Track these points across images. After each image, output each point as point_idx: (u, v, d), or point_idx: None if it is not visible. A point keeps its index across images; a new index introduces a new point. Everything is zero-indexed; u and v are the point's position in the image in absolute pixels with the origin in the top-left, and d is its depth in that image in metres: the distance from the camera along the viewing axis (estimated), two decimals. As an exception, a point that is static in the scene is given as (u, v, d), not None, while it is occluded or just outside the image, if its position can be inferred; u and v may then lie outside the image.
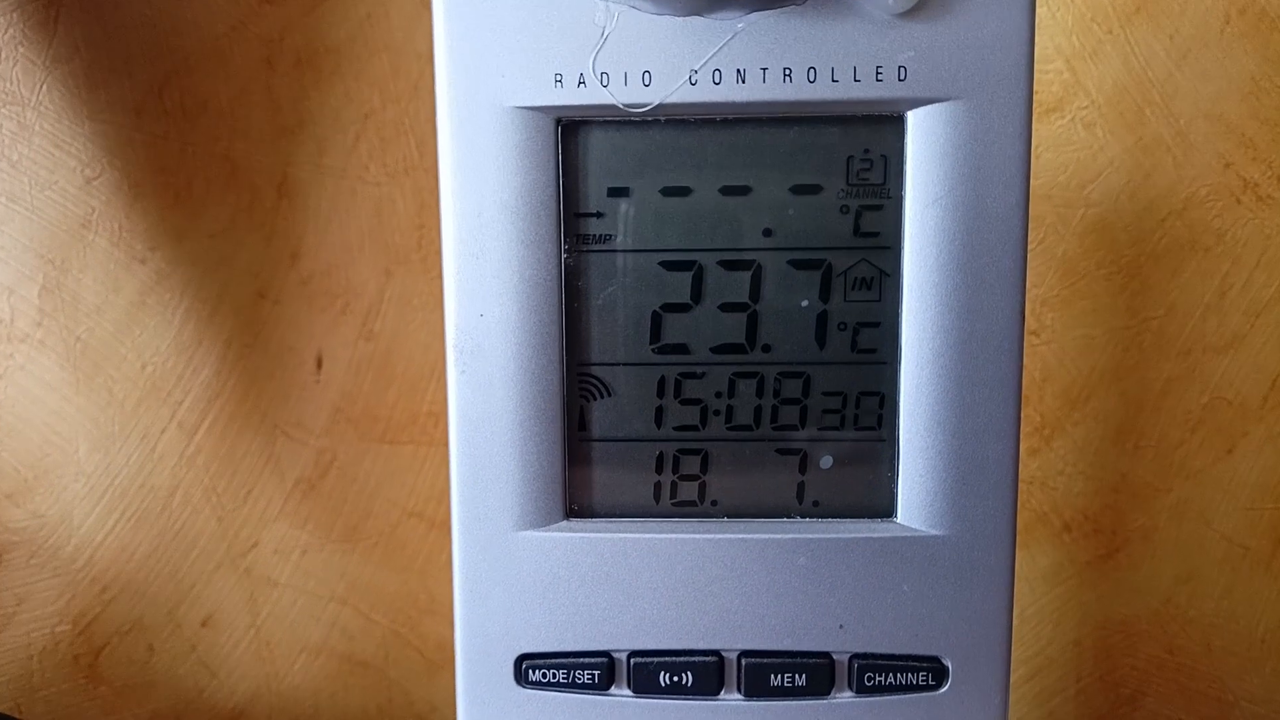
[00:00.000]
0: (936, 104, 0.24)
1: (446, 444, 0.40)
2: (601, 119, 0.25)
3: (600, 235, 0.25)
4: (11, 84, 0.41)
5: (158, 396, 0.43)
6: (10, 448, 0.43)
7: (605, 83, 0.24)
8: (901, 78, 0.24)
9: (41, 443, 0.43)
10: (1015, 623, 0.43)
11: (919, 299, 0.25)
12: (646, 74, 0.24)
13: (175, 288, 0.42)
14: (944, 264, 0.25)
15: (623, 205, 0.25)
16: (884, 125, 0.25)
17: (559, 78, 0.24)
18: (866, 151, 0.25)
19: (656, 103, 0.24)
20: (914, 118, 0.24)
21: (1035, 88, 0.40)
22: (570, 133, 0.25)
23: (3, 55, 0.41)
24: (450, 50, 0.25)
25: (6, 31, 0.41)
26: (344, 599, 0.44)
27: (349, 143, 0.42)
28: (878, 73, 0.24)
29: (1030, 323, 0.42)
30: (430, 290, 0.42)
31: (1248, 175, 0.41)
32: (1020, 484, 0.43)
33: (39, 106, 0.41)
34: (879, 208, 0.25)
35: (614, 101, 0.24)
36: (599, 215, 0.25)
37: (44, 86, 0.41)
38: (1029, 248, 0.41)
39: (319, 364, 0.43)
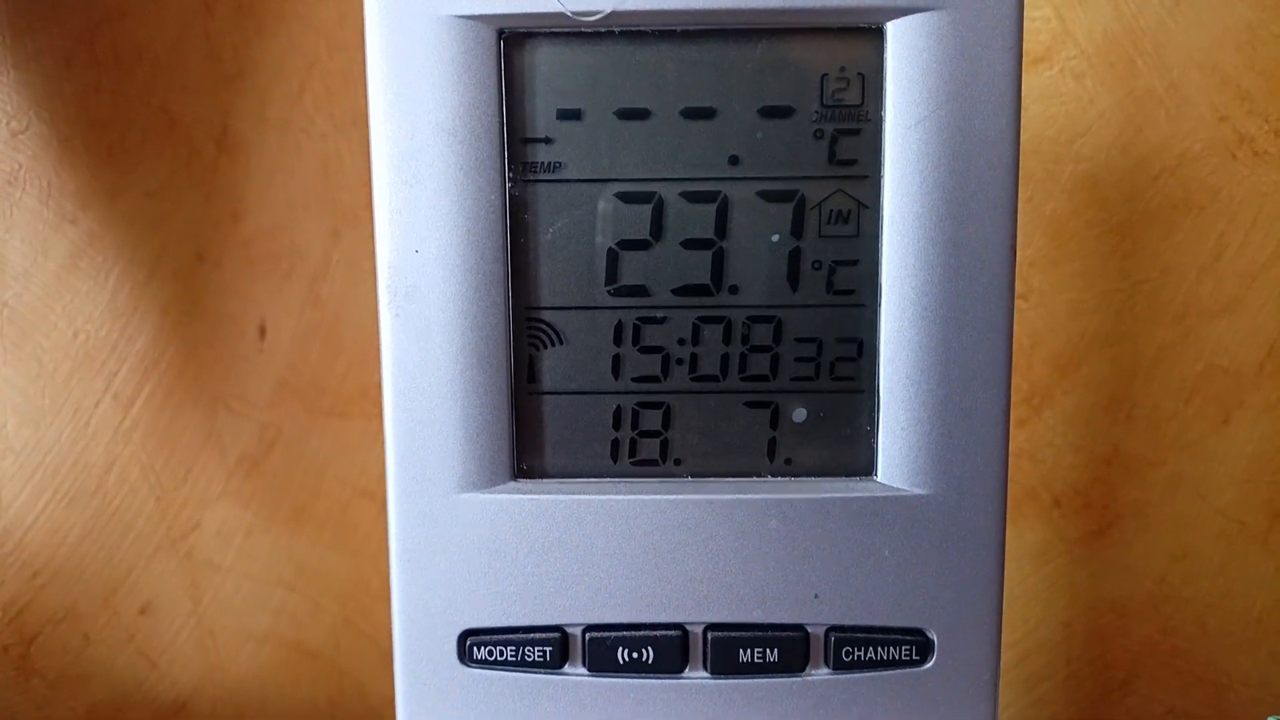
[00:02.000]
0: (919, 13, 0.22)
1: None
2: (549, 29, 0.22)
3: (548, 163, 0.23)
4: (-72, 31, 0.39)
5: (91, 367, 0.40)
6: (-70, 423, 0.40)
7: (552, -11, 0.22)
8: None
9: (-36, 417, 0.40)
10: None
11: (901, 234, 0.23)
12: (601, -19, 0.22)
13: (108, 250, 0.40)
14: (928, 194, 0.22)
15: (573, 129, 0.23)
16: (861, 38, 0.22)
17: (501, -17, 0.22)
18: (842, 69, 0.23)
19: (609, 9, 0.22)
20: (894, 29, 0.22)
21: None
22: (514, 46, 0.22)
23: (-81, -1, 0.38)
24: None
25: (-77, -26, 0.38)
26: (291, 584, 0.42)
27: (293, 93, 0.39)
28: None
29: (1017, 286, 0.40)
30: (382, 252, 0.40)
31: (1244, 129, 0.39)
32: (1007, 456, 0.41)
33: (-41, 55, 0.39)
34: (856, 132, 0.23)
35: (562, 9, 0.22)
36: (547, 141, 0.23)
37: (-36, 33, 0.39)
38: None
39: (262, 332, 0.40)
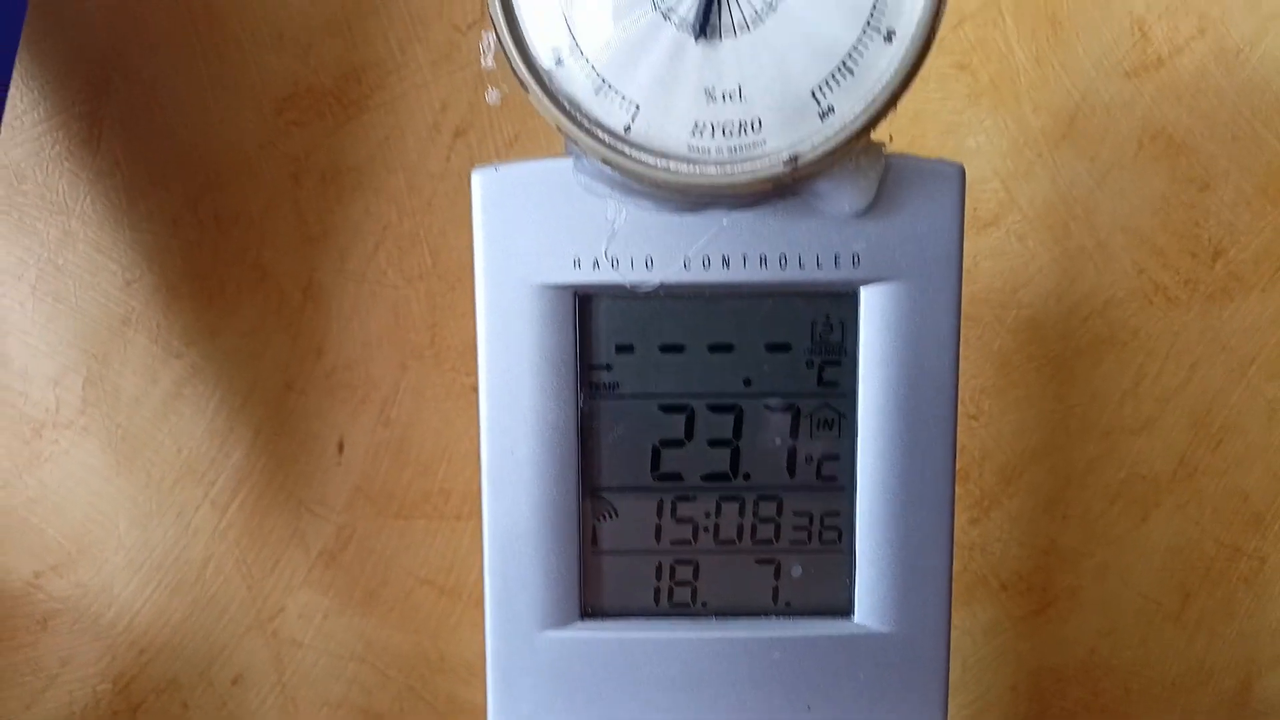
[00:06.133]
0: (884, 283, 0.30)
1: (455, 519, 0.45)
2: (612, 293, 0.30)
3: (610, 384, 0.31)
4: (58, 195, 0.46)
5: (192, 478, 0.47)
6: (56, 525, 0.47)
7: (615, 266, 0.29)
8: (855, 263, 0.30)
9: (84, 520, 0.47)
10: (959, 671, 0.49)
11: (870, 436, 0.30)
12: (649, 259, 0.29)
13: (209, 380, 0.47)
14: (890, 410, 0.30)
15: (628, 359, 0.31)
16: (841, 298, 0.30)
17: (577, 261, 0.30)
18: (827, 318, 0.30)
19: (657, 283, 0.29)
20: (865, 293, 0.30)
21: (974, 205, 0.46)
22: (586, 303, 0.30)
23: (49, 169, 0.46)
24: (487, 239, 0.30)
25: (53, 148, 0.45)
26: (362, 658, 0.49)
27: (369, 251, 0.47)
28: (836, 259, 0.30)
29: (970, 408, 0.48)
30: (441, 382, 0.47)
31: (1159, 280, 0.47)
32: (962, 549, 0.49)
33: (83, 216, 0.46)
34: (838, 363, 0.31)
35: (622, 281, 0.29)
36: (608, 368, 0.30)
37: (87, 198, 0.46)
38: (968, 343, 0.47)
39: (340, 448, 0.47)
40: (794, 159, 0.27)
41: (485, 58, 0.28)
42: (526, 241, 0.30)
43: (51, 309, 0.46)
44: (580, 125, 0.28)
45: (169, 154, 0.46)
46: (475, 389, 0.31)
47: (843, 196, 0.29)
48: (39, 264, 0.46)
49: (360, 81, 0.46)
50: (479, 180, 0.30)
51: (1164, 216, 0.47)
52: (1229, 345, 0.48)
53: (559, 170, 0.29)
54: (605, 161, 0.28)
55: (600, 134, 0.28)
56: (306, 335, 0.47)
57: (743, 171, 0.27)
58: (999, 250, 0.47)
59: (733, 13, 0.27)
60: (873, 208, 0.29)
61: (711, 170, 0.27)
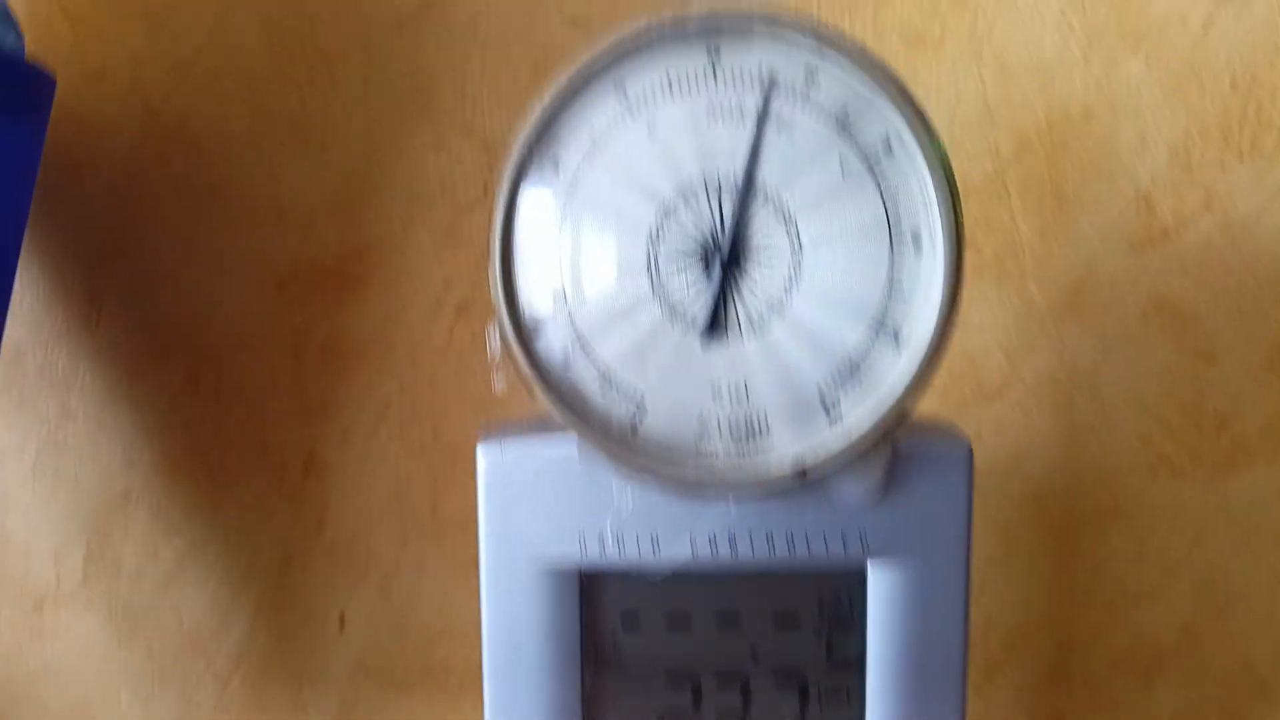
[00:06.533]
0: (892, 560, 0.29)
1: (458, 692, 0.45)
2: (617, 573, 0.30)
3: (615, 661, 0.30)
4: (57, 372, 0.45)
5: (194, 651, 0.47)
6: (58, 698, 0.47)
7: (620, 545, 0.29)
8: (863, 542, 0.29)
9: (86, 693, 0.47)
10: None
11: (879, 708, 0.30)
12: (655, 539, 0.29)
13: (210, 555, 0.47)
14: (900, 684, 0.30)
15: (633, 636, 0.30)
16: (850, 574, 0.30)
17: (582, 539, 0.29)
18: (836, 594, 0.30)
19: (663, 563, 0.29)
20: (874, 569, 0.30)
21: (978, 379, 0.46)
22: (591, 580, 0.30)
23: (49, 346, 0.45)
24: (490, 516, 0.29)
25: (53, 325, 0.45)
26: (364, 825, 0.49)
27: (371, 425, 0.46)
28: (844, 539, 0.29)
29: (976, 579, 0.48)
30: (442, 557, 0.47)
31: (1163, 451, 0.47)
32: (967, 718, 0.48)
33: (83, 392, 0.46)
34: (846, 637, 0.30)
35: (628, 564, 0.29)
36: (614, 645, 0.30)
37: (87, 375, 0.46)
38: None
39: (342, 622, 0.47)
40: (802, 471, 0.27)
41: (491, 347, 0.28)
42: (531, 519, 0.29)
43: (52, 484, 0.46)
44: (586, 423, 0.27)
45: (169, 330, 0.46)
46: (476, 562, 0.30)
47: (850, 491, 0.29)
48: (39, 441, 0.46)
49: (362, 259, 0.45)
50: (483, 457, 0.29)
51: (1169, 389, 0.47)
52: (1234, 516, 0.47)
53: (564, 448, 0.29)
54: (611, 459, 0.27)
55: (606, 432, 0.27)
56: (307, 509, 0.47)
57: (751, 477, 0.27)
58: (1002, 423, 0.47)
59: (738, 313, 0.27)
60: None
61: (719, 471, 0.27)
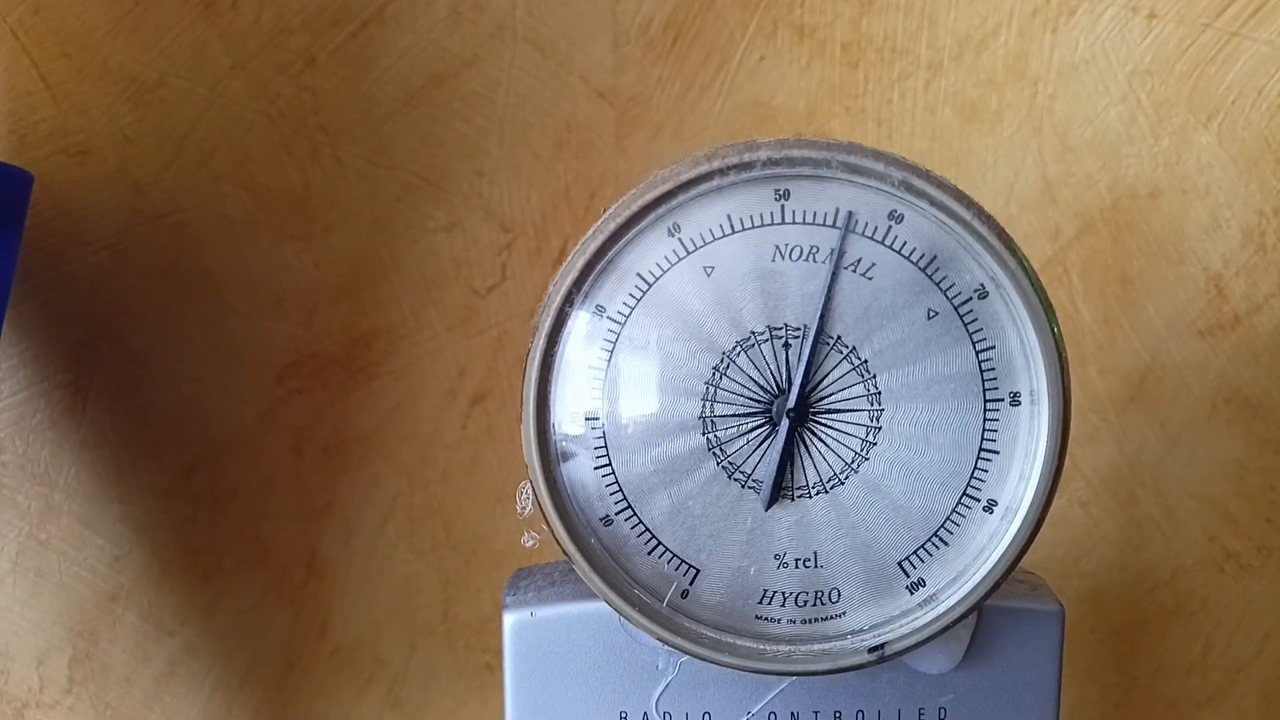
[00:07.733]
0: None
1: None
2: None
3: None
4: (40, 466, 0.42)
5: (187, 763, 0.44)
6: (40, 815, 0.44)
7: (667, 722, 0.26)
8: (942, 719, 0.26)
9: (71, 809, 0.44)
10: None
11: None
12: (706, 715, 0.26)
13: (204, 660, 0.43)
14: None
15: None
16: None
17: (624, 716, 0.26)
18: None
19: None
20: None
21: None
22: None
23: (31, 439, 0.42)
24: (518, 691, 0.26)
25: (35, 416, 0.42)
26: None
27: (377, 524, 0.43)
28: (920, 715, 0.26)
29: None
30: (454, 661, 0.44)
31: (1231, 547, 0.44)
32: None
33: (67, 488, 0.42)
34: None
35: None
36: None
37: (71, 470, 0.42)
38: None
39: (347, 732, 0.44)
40: (880, 649, 0.24)
41: (521, 505, 0.25)
42: (565, 695, 0.26)
43: (34, 584, 0.43)
44: (630, 601, 0.24)
45: (160, 424, 0.42)
46: (490, 668, 0.27)
47: (929, 659, 0.25)
48: (19, 538, 0.42)
49: (369, 347, 0.42)
50: (511, 627, 0.26)
51: (1238, 482, 0.44)
52: (1306, 616, 0.44)
53: (602, 615, 0.26)
54: (660, 640, 0.24)
55: (654, 606, 0.24)
56: (309, 612, 0.43)
57: (818, 657, 0.24)
58: (1061, 518, 0.44)
59: (807, 473, 0.24)
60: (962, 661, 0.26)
61: (784, 651, 0.24)
